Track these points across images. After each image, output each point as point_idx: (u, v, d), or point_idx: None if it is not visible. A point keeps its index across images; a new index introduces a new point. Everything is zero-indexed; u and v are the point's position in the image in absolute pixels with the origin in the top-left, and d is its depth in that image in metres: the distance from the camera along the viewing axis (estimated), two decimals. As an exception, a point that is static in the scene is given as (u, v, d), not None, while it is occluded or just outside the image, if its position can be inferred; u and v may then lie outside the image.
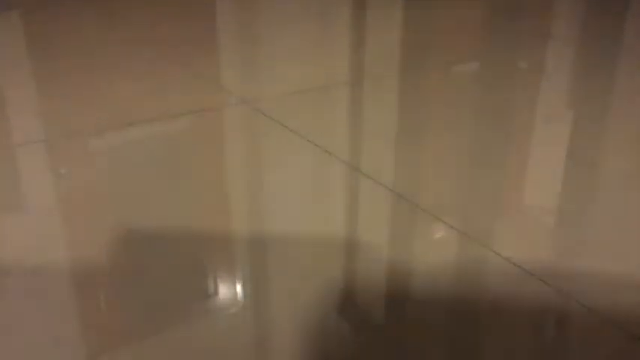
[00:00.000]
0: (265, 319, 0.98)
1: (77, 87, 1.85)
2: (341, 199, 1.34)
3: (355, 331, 0.97)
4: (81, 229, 1.20)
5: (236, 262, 1.12)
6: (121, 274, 1.08)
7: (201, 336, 0.94)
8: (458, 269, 1.09)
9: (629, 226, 1.21)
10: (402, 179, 1.39)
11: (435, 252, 1.14)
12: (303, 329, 0.95)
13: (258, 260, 1.12)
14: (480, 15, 2.71)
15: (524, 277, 1.06)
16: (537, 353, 0.93)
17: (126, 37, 2.32)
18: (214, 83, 1.95)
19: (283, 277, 1.07)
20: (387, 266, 1.10)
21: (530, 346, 0.94)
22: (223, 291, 1.05)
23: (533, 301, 1.01)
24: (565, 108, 1.81)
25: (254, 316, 0.99)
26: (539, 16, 2.69)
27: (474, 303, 1.02)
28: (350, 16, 2.70)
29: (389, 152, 1.51)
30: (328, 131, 1.62)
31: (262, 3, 2.84)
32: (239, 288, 1.06)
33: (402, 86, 1.93)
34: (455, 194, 1.34)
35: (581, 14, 2.76)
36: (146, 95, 1.79)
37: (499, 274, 1.07)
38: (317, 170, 1.42)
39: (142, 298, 1.01)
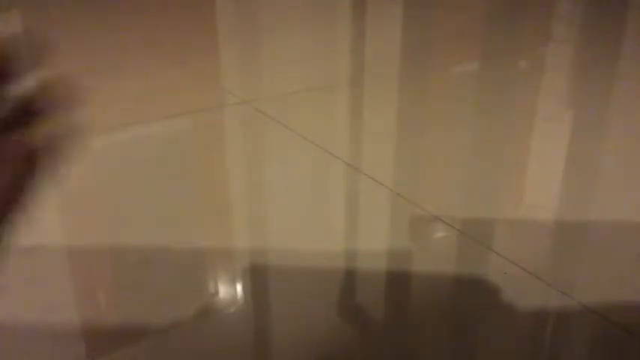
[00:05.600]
0: (266, 320, 0.98)
1: (77, 87, 1.85)
2: (341, 198, 1.34)
3: (354, 331, 0.97)
4: (80, 229, 1.20)
5: (237, 261, 1.12)
6: (121, 276, 1.08)
7: (201, 336, 0.94)
8: (458, 269, 1.09)
9: (627, 226, 1.22)
10: (403, 179, 1.39)
11: (435, 252, 1.14)
12: (303, 329, 0.95)
13: (258, 259, 1.12)
14: (480, 15, 2.71)
15: (524, 277, 1.06)
16: (537, 352, 0.93)
17: (126, 37, 2.32)
18: (215, 83, 1.95)
19: (283, 277, 1.07)
20: (387, 265, 1.11)
21: (530, 346, 0.94)
22: (225, 290, 1.06)
23: (533, 301, 1.01)
24: (565, 108, 1.81)
25: (256, 314, 0.99)
26: (540, 16, 2.69)
27: (473, 302, 1.02)
28: (350, 16, 2.70)
29: (389, 152, 1.51)
30: (328, 131, 1.62)
31: (263, 3, 2.84)
32: (240, 287, 1.06)
33: (403, 86, 1.93)
34: (455, 194, 1.34)
35: (581, 15, 2.76)
36: (147, 95, 1.79)
37: (499, 274, 1.07)
38: (317, 170, 1.42)
39: (141, 301, 1.02)
